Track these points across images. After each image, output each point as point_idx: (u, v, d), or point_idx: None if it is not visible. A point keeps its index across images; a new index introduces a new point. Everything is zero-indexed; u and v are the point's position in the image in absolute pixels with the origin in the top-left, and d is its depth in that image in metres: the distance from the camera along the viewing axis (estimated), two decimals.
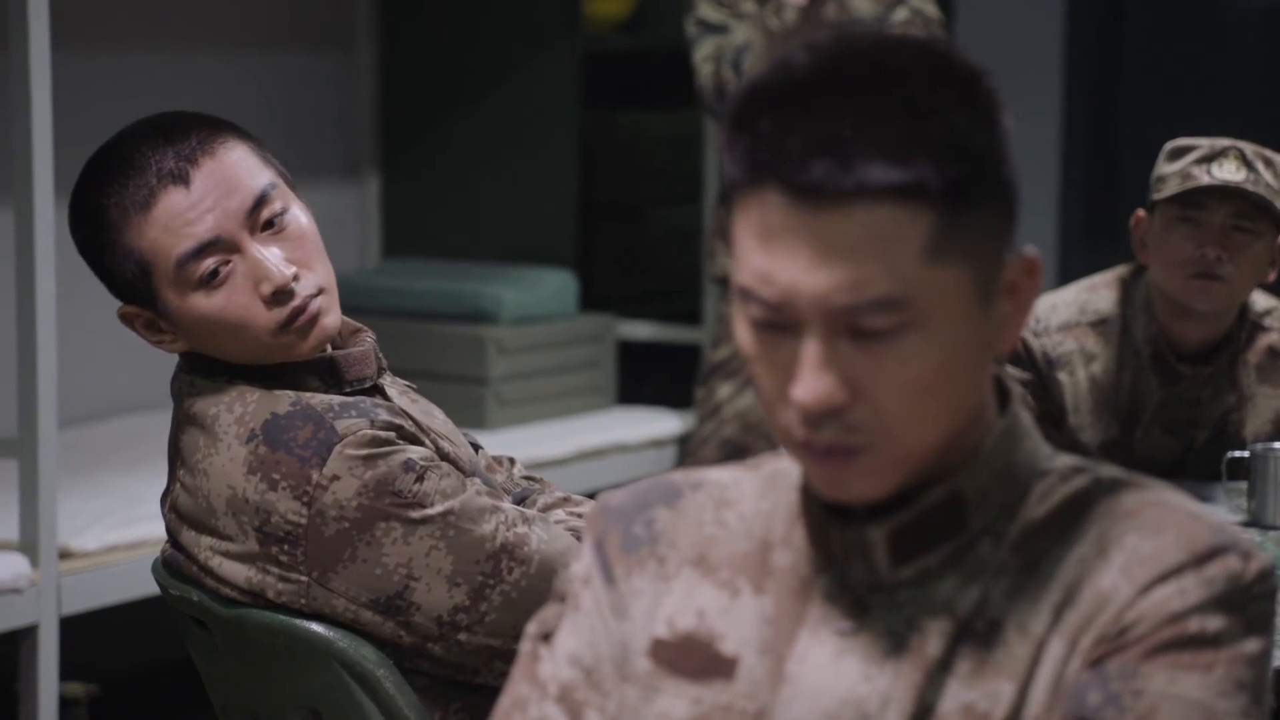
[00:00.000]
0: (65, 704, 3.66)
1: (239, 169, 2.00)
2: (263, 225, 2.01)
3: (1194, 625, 1.23)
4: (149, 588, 3.51)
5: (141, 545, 3.56)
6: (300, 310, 2.01)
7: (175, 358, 2.11)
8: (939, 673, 1.26)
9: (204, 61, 4.67)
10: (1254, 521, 2.71)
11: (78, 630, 3.65)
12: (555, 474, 4.23)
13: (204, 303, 1.99)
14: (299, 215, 2.04)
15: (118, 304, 2.07)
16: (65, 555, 3.46)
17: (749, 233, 1.23)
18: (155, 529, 3.55)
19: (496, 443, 4.14)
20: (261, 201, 2.00)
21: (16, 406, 3.32)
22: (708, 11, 4.33)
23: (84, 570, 3.48)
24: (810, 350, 1.22)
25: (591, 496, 2.01)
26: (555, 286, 4.79)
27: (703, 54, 4.31)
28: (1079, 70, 5.33)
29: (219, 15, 4.74)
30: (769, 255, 1.22)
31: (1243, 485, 2.77)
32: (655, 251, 5.21)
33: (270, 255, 2.00)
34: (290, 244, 2.02)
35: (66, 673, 3.57)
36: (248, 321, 2.00)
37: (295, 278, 2.01)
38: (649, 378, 5.13)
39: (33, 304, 3.28)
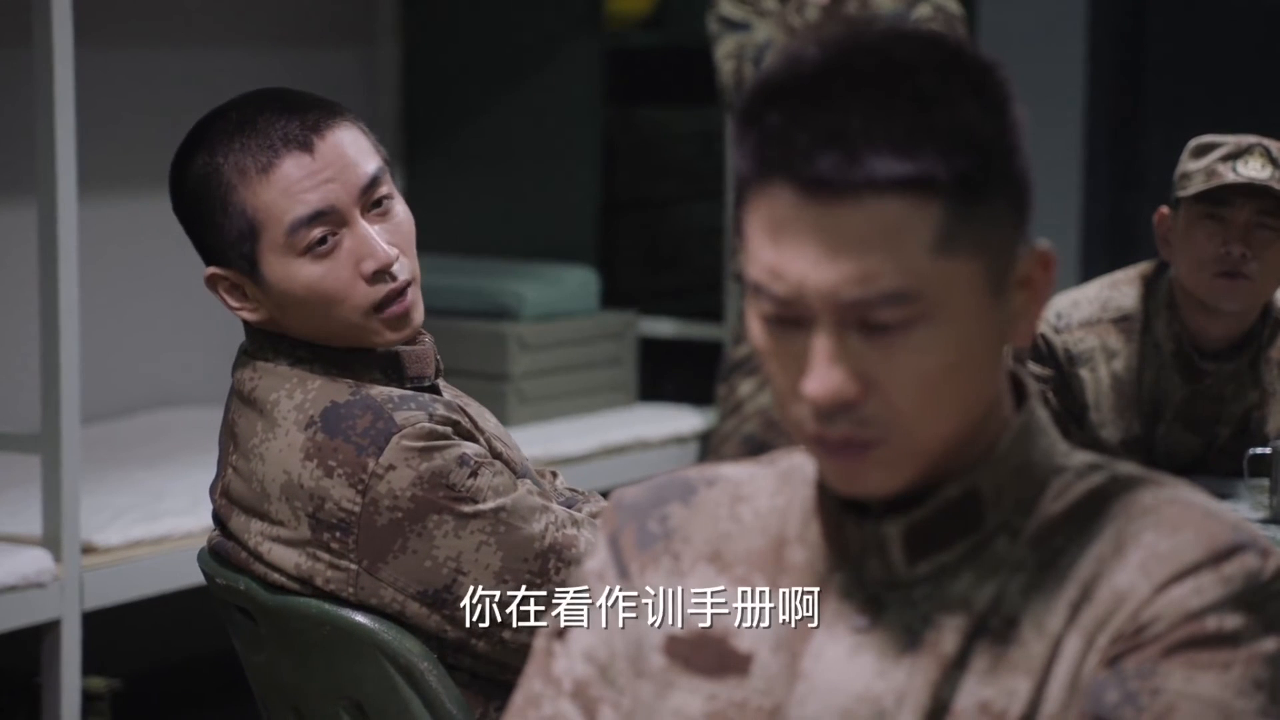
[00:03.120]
0: (88, 699, 3.66)
1: (355, 147, 2.05)
2: (372, 205, 2.05)
3: (1211, 624, 1.22)
4: (172, 583, 3.53)
5: (164, 540, 3.57)
6: (397, 293, 2.05)
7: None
8: (955, 670, 1.25)
9: (226, 57, 4.67)
10: (1275, 518, 2.70)
11: (100, 625, 3.66)
12: (576, 470, 4.23)
13: (306, 270, 2.02)
14: (400, 205, 2.09)
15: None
16: (88, 550, 3.46)
17: (759, 228, 1.23)
18: (178, 524, 3.56)
19: (518, 439, 4.13)
20: (375, 182, 2.05)
21: (40, 402, 3.33)
22: (730, 9, 4.32)
23: (107, 565, 3.49)
24: (821, 344, 1.21)
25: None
26: (577, 283, 4.79)
27: (724, 51, 4.30)
28: (1102, 67, 5.32)
29: (242, 11, 4.75)
30: (778, 250, 1.22)
31: (1265, 482, 2.76)
32: (677, 248, 5.20)
33: (377, 234, 2.04)
34: (391, 228, 2.06)
35: (89, 668, 3.57)
36: (344, 296, 2.03)
37: (396, 259, 2.04)
38: (670, 374, 5.13)
39: (56, 299, 3.29)
